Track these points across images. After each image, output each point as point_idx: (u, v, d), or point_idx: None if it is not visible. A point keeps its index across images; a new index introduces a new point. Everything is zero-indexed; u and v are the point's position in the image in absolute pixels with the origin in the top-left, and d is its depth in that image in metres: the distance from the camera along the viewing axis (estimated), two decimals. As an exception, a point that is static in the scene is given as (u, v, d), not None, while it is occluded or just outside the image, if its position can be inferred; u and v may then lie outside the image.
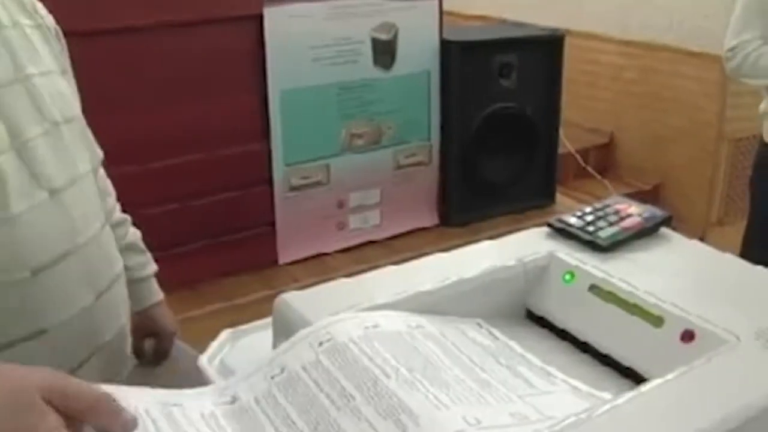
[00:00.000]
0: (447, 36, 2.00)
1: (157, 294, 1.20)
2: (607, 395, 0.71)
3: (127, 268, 1.06)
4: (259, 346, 0.82)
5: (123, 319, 1.01)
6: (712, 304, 0.79)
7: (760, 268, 0.90)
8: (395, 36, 1.92)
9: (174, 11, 1.64)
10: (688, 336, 0.76)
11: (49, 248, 0.86)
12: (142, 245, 1.18)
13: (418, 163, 2.04)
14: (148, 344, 1.17)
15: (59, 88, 0.95)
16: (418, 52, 1.97)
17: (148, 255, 1.19)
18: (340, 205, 1.95)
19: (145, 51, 1.63)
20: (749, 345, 0.72)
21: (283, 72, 1.78)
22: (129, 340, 1.05)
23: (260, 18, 1.74)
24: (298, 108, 1.82)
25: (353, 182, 1.95)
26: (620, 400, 0.65)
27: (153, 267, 1.19)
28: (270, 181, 1.84)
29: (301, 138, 1.84)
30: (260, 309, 0.88)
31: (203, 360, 0.80)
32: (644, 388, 0.68)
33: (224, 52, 1.74)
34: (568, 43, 2.15)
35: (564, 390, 0.73)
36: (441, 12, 1.98)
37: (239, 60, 1.77)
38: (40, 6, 1.00)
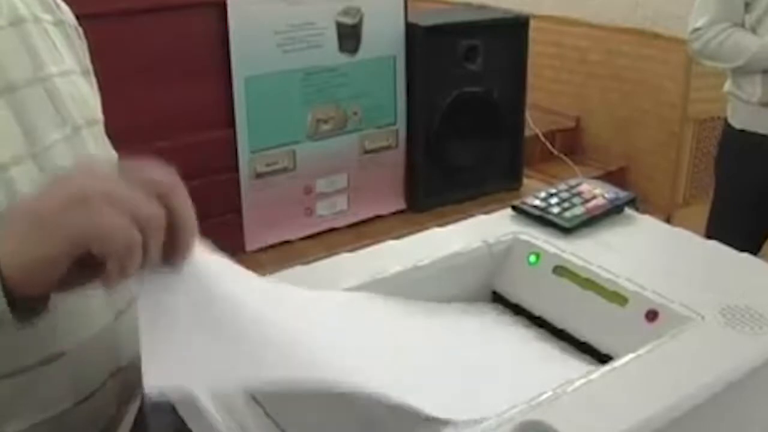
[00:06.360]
0: (412, 20, 1.99)
1: None
2: (572, 375, 0.71)
3: None
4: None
5: None
6: (677, 283, 0.80)
7: (724, 247, 0.90)
8: (360, 20, 1.90)
9: (134, -3, 1.62)
10: (652, 315, 0.76)
11: None
12: None
13: (385, 148, 2.03)
14: None
15: (81, 90, 0.89)
16: (384, 37, 1.96)
17: None
18: (307, 191, 1.94)
19: (104, 38, 1.58)
20: (713, 323, 0.73)
21: (247, 58, 1.76)
22: None
23: (224, 4, 1.72)
24: (263, 94, 1.81)
25: (320, 168, 1.93)
26: (583, 380, 0.65)
27: None
28: (236, 168, 1.82)
29: (266, 124, 1.83)
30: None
31: None
32: (607, 367, 0.68)
33: (187, 39, 1.71)
34: (533, 27, 2.14)
35: (530, 371, 0.74)
36: (406, -5, 1.97)
37: (203, 47, 1.74)
38: (60, 1, 0.94)
